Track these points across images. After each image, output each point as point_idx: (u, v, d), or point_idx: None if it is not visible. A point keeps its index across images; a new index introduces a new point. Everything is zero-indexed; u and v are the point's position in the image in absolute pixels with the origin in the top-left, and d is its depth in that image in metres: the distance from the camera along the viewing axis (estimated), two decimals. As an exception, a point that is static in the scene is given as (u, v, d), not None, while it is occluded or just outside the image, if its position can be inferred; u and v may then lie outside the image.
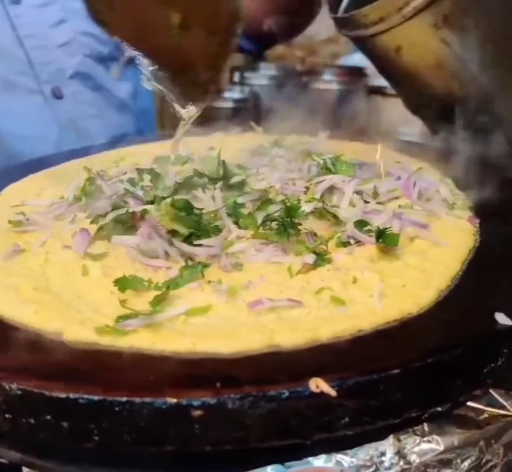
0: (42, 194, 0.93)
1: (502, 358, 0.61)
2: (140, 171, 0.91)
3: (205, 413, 0.53)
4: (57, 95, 1.41)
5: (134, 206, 0.81)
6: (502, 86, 0.96)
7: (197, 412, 0.53)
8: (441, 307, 0.65)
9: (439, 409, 0.59)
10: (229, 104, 3.67)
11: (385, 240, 0.71)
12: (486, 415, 0.62)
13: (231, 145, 1.07)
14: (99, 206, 0.83)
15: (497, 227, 0.79)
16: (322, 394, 0.53)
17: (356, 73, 3.26)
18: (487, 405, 0.62)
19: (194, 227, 0.74)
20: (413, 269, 0.70)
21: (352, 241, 0.74)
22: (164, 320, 0.62)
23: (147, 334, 0.61)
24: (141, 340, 0.60)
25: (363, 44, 1.01)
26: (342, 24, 1.01)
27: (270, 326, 0.61)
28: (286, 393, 0.53)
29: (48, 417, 0.55)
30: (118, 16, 0.85)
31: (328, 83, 3.51)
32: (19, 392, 0.55)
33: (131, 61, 1.59)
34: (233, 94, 3.59)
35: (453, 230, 0.77)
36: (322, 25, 1.42)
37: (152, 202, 0.82)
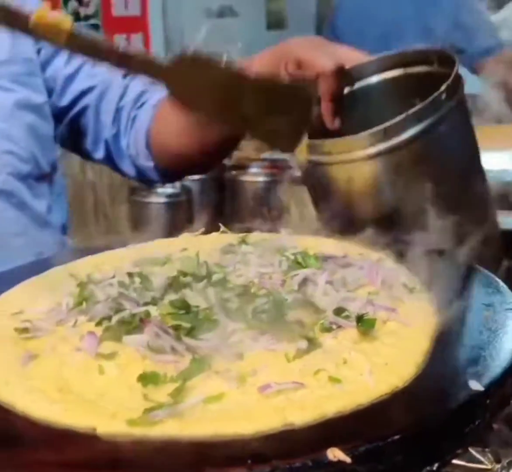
0: (37, 301, 0.99)
1: (478, 419, 0.72)
2: (130, 274, 0.99)
3: (242, 487, 0.61)
4: None
5: (131, 308, 0.90)
6: None
7: (235, 487, 0.61)
8: (422, 379, 0.75)
9: (429, 468, 0.69)
10: (162, 199, 3.81)
11: (364, 324, 0.83)
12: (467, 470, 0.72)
13: (201, 244, 1.16)
14: (99, 310, 0.90)
15: (453, 305, 0.91)
16: (339, 461, 0.62)
17: (281, 165, 3.48)
18: (468, 461, 0.73)
19: (194, 322, 0.84)
20: (391, 347, 0.81)
21: (334, 326, 0.85)
22: (185, 409, 0.70)
23: (173, 423, 0.68)
24: (169, 428, 0.68)
25: (313, 170, 1.13)
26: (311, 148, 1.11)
27: (281, 406, 0.70)
28: (310, 463, 0.62)
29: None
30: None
31: (255, 175, 3.73)
32: (71, 485, 0.62)
33: (45, 177, 1.60)
34: (165, 189, 3.75)
35: (416, 312, 0.89)
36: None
37: (149, 303, 0.91)
